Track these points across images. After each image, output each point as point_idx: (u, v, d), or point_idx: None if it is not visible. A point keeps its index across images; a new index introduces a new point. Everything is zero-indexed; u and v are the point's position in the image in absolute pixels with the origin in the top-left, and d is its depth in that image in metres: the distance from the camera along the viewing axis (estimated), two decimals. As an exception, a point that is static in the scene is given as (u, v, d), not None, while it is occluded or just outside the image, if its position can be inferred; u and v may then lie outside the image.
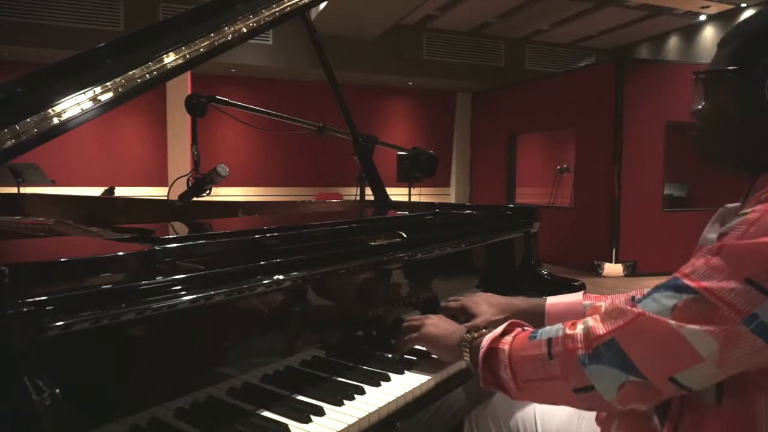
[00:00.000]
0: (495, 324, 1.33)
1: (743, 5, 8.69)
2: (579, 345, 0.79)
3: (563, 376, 0.80)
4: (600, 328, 0.79)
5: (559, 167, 9.11)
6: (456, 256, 1.60)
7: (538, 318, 1.29)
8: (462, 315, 1.36)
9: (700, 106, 0.94)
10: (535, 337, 0.88)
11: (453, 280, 1.61)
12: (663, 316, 0.73)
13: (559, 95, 7.72)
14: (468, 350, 1.03)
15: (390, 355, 1.24)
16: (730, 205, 0.91)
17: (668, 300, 0.74)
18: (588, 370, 0.77)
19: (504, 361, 0.90)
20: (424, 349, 1.23)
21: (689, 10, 8.95)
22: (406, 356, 1.22)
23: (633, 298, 1.22)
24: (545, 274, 1.90)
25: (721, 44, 0.94)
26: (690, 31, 9.81)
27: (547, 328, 0.89)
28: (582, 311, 1.26)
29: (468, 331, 1.06)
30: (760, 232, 0.71)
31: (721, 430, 0.79)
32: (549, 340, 0.84)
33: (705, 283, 0.72)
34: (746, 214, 0.75)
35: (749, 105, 0.85)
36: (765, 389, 0.75)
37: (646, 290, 1.02)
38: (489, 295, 1.40)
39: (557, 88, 7.87)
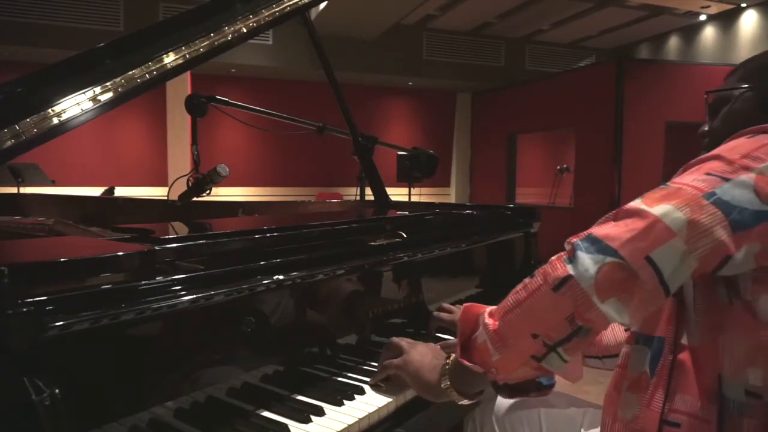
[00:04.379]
0: None
1: (743, 5, 8.69)
2: (560, 254, 0.79)
3: (543, 280, 0.78)
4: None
5: (559, 167, 9.11)
6: (456, 256, 1.60)
7: None
8: (453, 328, 1.33)
9: (707, 127, 1.03)
10: None
11: (453, 281, 1.61)
12: (634, 203, 0.79)
13: (559, 95, 7.72)
14: (447, 365, 0.94)
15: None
16: None
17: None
18: (567, 265, 0.76)
19: (484, 320, 0.85)
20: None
21: (689, 10, 8.95)
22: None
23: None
24: (545, 274, 1.89)
25: (730, 75, 1.02)
26: (690, 31, 9.81)
27: None
28: None
29: (448, 356, 0.97)
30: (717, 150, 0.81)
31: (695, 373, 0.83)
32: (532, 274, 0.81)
33: (672, 180, 0.81)
34: None
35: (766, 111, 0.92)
36: (725, 329, 0.80)
37: None
38: None
39: (557, 88, 7.87)
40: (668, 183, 0.80)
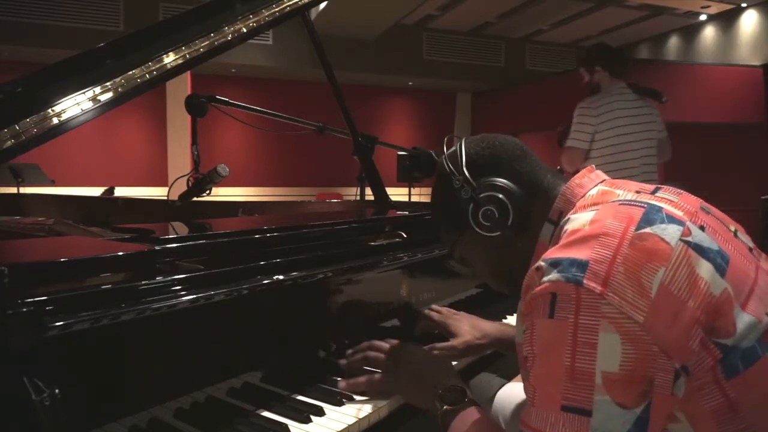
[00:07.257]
0: (475, 348, 1.26)
1: (743, 5, 8.69)
2: None
3: None
4: None
5: (559, 167, 9.10)
6: (456, 256, 1.60)
7: None
8: (441, 330, 1.31)
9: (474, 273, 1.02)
10: None
11: (453, 280, 1.61)
12: None
13: (559, 95, 7.72)
14: (439, 410, 0.92)
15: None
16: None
17: None
18: None
19: None
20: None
21: (689, 10, 8.95)
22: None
23: None
24: (545, 274, 1.89)
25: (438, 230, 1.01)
26: (690, 31, 9.81)
27: None
28: None
29: (442, 393, 0.93)
30: (539, 351, 0.71)
31: None
32: None
33: (542, 429, 0.68)
34: (525, 331, 0.75)
35: (487, 245, 0.92)
36: None
37: None
38: (474, 317, 1.34)
39: (557, 88, 7.87)
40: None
